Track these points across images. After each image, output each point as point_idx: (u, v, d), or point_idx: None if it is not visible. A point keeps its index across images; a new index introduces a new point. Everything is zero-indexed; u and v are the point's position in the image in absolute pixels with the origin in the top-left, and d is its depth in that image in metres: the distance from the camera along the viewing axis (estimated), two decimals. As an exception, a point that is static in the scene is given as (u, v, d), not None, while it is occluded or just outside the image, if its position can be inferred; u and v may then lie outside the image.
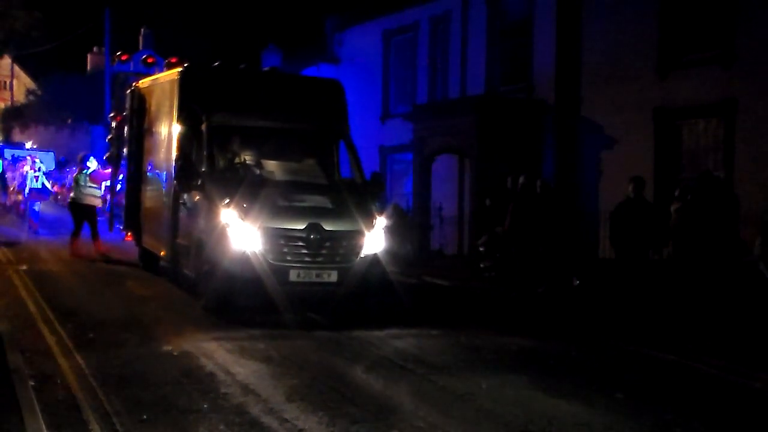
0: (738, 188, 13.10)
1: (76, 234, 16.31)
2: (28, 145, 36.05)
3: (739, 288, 11.21)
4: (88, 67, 51.75)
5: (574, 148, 17.69)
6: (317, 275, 10.36)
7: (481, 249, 15.42)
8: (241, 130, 11.58)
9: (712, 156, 15.22)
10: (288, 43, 38.87)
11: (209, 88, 11.96)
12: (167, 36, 39.91)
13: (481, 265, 15.32)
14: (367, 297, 10.91)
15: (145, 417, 6.31)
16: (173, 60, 14.00)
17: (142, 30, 47.82)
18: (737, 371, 8.62)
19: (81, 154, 17.72)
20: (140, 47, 50.69)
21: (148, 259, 14.23)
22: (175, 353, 8.44)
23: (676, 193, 12.26)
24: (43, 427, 5.91)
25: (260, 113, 11.68)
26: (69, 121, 43.21)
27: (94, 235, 16.27)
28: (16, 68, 55.49)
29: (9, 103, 54.15)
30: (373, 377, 7.83)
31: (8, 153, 32.62)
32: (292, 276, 10.23)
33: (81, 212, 16.32)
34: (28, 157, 27.79)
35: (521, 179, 13.64)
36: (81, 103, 42.82)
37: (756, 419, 7.19)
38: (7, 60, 54.76)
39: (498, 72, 20.02)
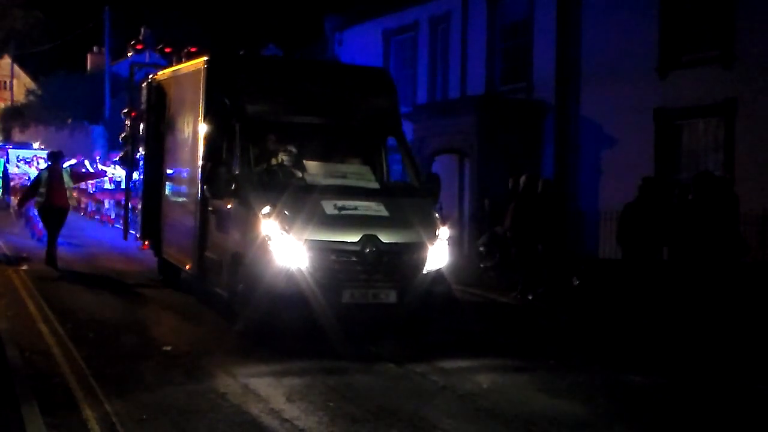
0: (738, 188, 13.08)
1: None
2: (36, 145, 35.03)
3: (739, 288, 11.19)
4: (88, 67, 51.71)
5: (574, 149, 17.69)
6: (374, 295, 8.97)
7: (481, 249, 15.41)
8: (280, 127, 10.18)
9: (712, 156, 15.21)
10: (288, 43, 38.88)
11: (241, 79, 10.38)
12: (167, 36, 39.84)
13: (482, 266, 15.30)
14: (430, 319, 9.56)
15: (145, 417, 6.31)
16: (192, 49, 12.38)
17: (142, 30, 47.80)
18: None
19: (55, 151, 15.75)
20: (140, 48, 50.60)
21: (168, 271, 12.80)
22: (176, 353, 8.44)
23: (676, 193, 12.23)
24: (43, 427, 5.90)
25: (301, 107, 10.23)
26: (69, 121, 43.17)
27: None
28: (16, 68, 55.47)
29: (9, 103, 54.11)
30: (375, 377, 7.83)
31: (13, 154, 30.79)
32: (345, 296, 8.84)
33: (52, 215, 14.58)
34: (34, 158, 27.12)
35: (523, 179, 13.61)
36: (81, 103, 42.78)
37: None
38: (7, 60, 54.89)
39: (498, 72, 20.01)
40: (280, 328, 8.87)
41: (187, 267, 11.42)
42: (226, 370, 7.80)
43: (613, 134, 16.79)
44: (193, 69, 11.57)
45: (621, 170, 15.60)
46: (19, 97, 53.07)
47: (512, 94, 19.30)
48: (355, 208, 9.26)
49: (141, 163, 13.98)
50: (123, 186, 21.17)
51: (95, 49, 50.49)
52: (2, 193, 15.87)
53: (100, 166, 28.76)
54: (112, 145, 37.91)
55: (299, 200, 9.10)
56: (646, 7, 16.18)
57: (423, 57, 22.27)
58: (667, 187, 12.96)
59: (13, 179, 24.83)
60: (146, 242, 13.48)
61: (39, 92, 48.40)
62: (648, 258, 12.02)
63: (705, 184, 11.67)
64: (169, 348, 8.64)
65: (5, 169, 15.66)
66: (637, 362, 8.98)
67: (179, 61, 12.74)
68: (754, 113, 14.34)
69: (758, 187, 13.69)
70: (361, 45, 24.53)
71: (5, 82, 57.71)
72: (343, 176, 10.05)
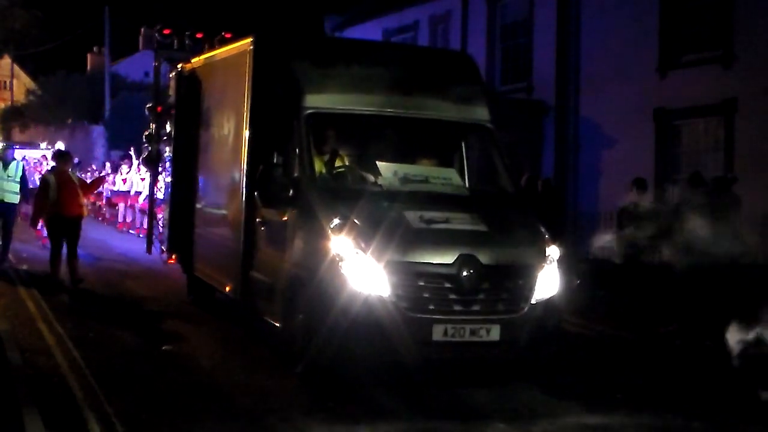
0: (738, 188, 13.09)
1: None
2: (43, 144, 34.11)
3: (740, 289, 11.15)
4: (88, 67, 51.78)
5: (574, 149, 17.70)
6: (472, 332, 7.23)
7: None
8: (347, 121, 8.54)
9: (712, 156, 15.22)
10: (288, 43, 38.65)
11: (299, 64, 8.62)
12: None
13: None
14: (541, 361, 7.86)
15: (145, 417, 6.31)
16: (227, 35, 11.01)
17: (143, 30, 47.81)
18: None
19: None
20: (140, 48, 50.71)
21: (200, 291, 11.03)
22: (176, 353, 8.44)
23: (667, 195, 12.23)
24: (43, 427, 5.90)
25: (372, 97, 8.43)
26: (69, 121, 43.18)
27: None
28: (16, 68, 55.49)
29: (9, 103, 54.13)
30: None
31: (19, 155, 28.96)
32: (437, 333, 7.11)
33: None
34: (43, 159, 26.41)
35: (523, 179, 13.60)
36: (81, 103, 42.80)
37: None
38: (7, 60, 54.86)
39: (498, 72, 20.03)
40: (353, 371, 7.34)
41: (227, 289, 9.59)
42: (225, 370, 7.76)
43: (613, 134, 16.80)
44: (236, 53, 9.73)
45: (621, 170, 15.60)
46: (19, 97, 53.11)
47: (512, 94, 19.33)
48: (446, 221, 7.58)
49: (168, 164, 12.45)
50: (137, 189, 20.46)
51: (95, 49, 50.56)
52: (20, 200, 14.69)
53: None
54: (112, 145, 37.92)
55: (377, 211, 7.49)
56: (646, 7, 16.21)
57: (423, 57, 22.28)
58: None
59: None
60: (173, 256, 11.70)
61: (39, 92, 48.44)
62: (644, 259, 11.99)
63: (697, 184, 11.68)
64: (169, 347, 8.63)
65: (24, 173, 14.35)
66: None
67: (211, 50, 11.23)
68: (754, 113, 14.35)
69: (758, 187, 13.69)
70: (362, 45, 24.56)
71: (5, 82, 57.71)
72: (425, 180, 8.30)
